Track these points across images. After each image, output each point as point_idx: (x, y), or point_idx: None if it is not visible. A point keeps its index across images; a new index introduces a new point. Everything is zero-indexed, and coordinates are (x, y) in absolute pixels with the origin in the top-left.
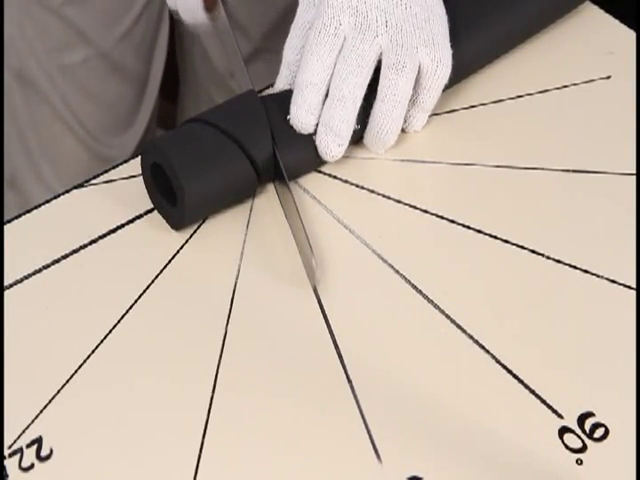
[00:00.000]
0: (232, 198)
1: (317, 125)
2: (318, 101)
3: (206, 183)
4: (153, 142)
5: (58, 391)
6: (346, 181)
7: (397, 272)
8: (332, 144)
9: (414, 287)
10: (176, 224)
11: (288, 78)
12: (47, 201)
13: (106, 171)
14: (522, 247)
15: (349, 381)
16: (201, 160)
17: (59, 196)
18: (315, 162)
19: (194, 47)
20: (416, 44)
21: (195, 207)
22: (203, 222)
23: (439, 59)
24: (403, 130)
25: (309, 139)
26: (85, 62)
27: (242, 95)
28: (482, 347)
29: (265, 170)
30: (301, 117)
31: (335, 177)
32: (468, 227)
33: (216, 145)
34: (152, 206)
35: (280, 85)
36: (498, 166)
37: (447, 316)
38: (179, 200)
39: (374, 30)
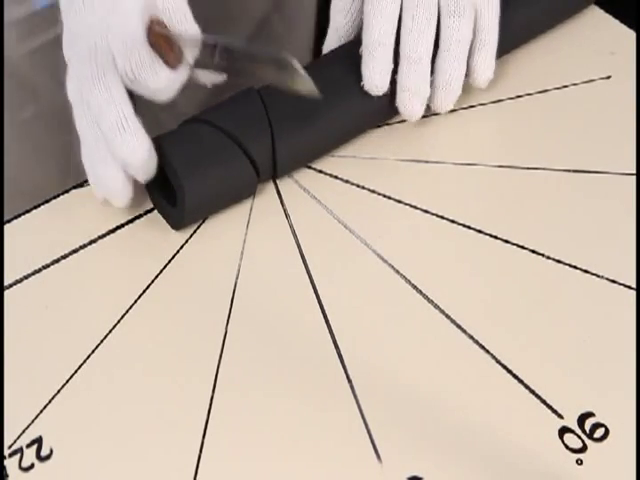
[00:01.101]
0: (232, 198)
1: (390, 86)
2: (390, 60)
3: (206, 183)
4: (153, 142)
5: (58, 391)
6: (347, 181)
7: (397, 272)
8: (416, 105)
9: (414, 287)
10: (176, 224)
11: (337, 44)
12: (46, 201)
13: None
14: (522, 247)
15: (349, 381)
16: (201, 160)
17: (59, 196)
18: (317, 152)
19: None
20: None
21: (195, 207)
22: (203, 222)
23: None
24: (469, 85)
25: (310, 127)
26: (36, 118)
27: (242, 93)
28: (482, 347)
29: (265, 168)
30: (376, 80)
31: (336, 177)
32: (468, 227)
33: (216, 145)
34: (152, 206)
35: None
36: (498, 166)
37: (447, 316)
38: (179, 200)
39: None
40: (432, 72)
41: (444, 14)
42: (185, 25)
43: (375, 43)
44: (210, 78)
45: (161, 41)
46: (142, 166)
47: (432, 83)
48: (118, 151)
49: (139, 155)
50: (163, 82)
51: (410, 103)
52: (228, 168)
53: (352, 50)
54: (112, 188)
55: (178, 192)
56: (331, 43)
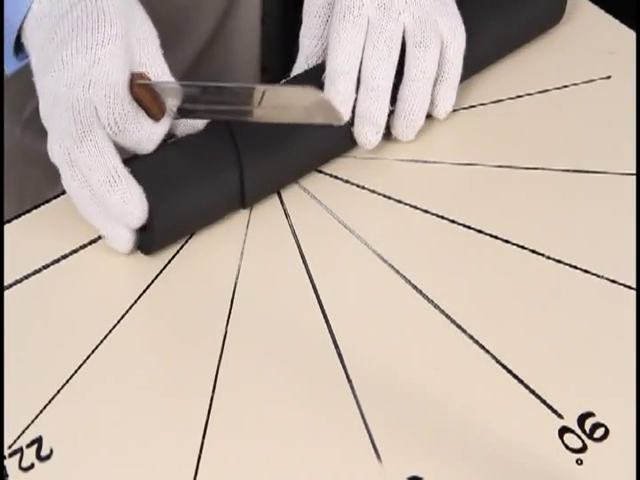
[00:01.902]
0: (202, 222)
1: (352, 114)
2: (351, 89)
3: (176, 207)
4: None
5: (58, 391)
6: (347, 181)
7: (397, 272)
8: (370, 134)
9: (414, 287)
10: (146, 249)
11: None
12: (47, 201)
13: None
14: (522, 247)
15: (349, 381)
16: (171, 184)
17: (59, 196)
18: (290, 177)
19: None
20: (435, 17)
21: (165, 232)
22: None
23: (455, 26)
24: (430, 116)
25: (278, 155)
26: None
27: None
28: (482, 347)
29: (234, 195)
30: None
31: (336, 177)
32: (469, 227)
33: (186, 170)
34: None
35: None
36: (498, 166)
37: (447, 316)
38: (148, 225)
39: (396, 7)
40: (395, 102)
41: (410, 45)
42: (163, 79)
43: (338, 72)
44: (192, 126)
45: (144, 93)
46: (136, 216)
47: (395, 112)
48: (111, 206)
49: (131, 207)
50: (146, 133)
51: (364, 130)
52: (198, 192)
53: (320, 74)
54: (112, 240)
55: (147, 218)
56: (301, 69)
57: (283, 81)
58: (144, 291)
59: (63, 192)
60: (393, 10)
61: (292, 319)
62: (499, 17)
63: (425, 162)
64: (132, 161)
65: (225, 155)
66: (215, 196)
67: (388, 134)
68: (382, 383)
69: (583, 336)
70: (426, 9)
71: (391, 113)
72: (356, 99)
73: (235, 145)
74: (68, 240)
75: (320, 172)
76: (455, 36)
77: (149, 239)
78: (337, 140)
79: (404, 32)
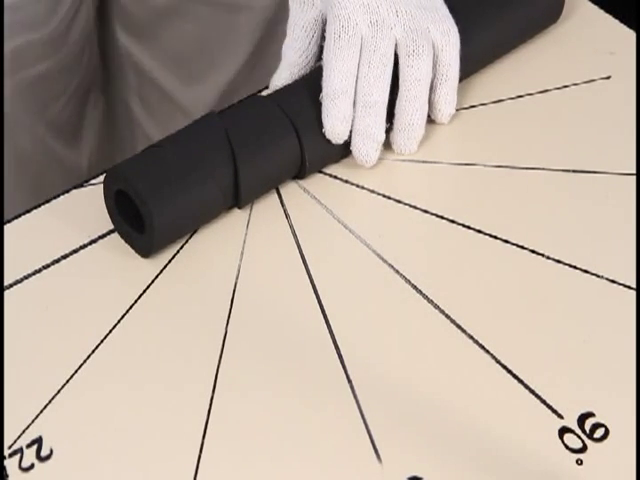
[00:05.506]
0: (199, 221)
1: (350, 133)
2: (350, 108)
3: (174, 207)
4: (116, 169)
5: (58, 391)
6: (346, 181)
7: (397, 272)
8: (370, 150)
9: (414, 287)
10: (144, 251)
11: (288, 79)
12: (47, 201)
13: (105, 171)
14: (522, 247)
15: (349, 381)
16: (167, 184)
17: (59, 196)
18: (283, 177)
19: (134, 137)
20: (426, 24)
21: (164, 232)
22: None
23: (448, 29)
24: (434, 121)
25: (275, 154)
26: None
27: (203, 118)
28: (482, 347)
29: (229, 193)
30: (337, 128)
31: (335, 177)
32: (468, 227)
33: (181, 169)
34: None
35: (277, 84)
36: (498, 166)
37: (447, 316)
38: (147, 226)
39: (388, 24)
40: (393, 114)
41: (402, 54)
42: None
43: (337, 92)
44: None
45: None
46: None
47: (394, 127)
48: None
49: None
50: None
51: (364, 147)
52: (195, 192)
53: (316, 81)
54: None
55: (146, 218)
56: (283, 76)
57: (266, 92)
58: (144, 291)
59: (63, 191)
60: (385, 26)
61: (292, 319)
62: (497, 15)
63: (425, 162)
64: (128, 163)
65: (220, 155)
66: (211, 196)
67: (388, 136)
68: (382, 383)
69: (583, 336)
70: (417, 18)
71: (388, 130)
72: (354, 116)
73: (230, 145)
74: (68, 240)
75: (320, 172)
76: (449, 38)
77: (147, 242)
78: (334, 147)
79: (396, 45)
